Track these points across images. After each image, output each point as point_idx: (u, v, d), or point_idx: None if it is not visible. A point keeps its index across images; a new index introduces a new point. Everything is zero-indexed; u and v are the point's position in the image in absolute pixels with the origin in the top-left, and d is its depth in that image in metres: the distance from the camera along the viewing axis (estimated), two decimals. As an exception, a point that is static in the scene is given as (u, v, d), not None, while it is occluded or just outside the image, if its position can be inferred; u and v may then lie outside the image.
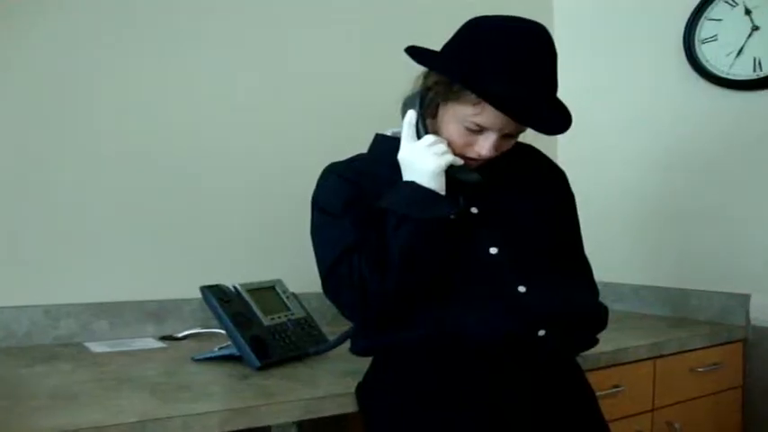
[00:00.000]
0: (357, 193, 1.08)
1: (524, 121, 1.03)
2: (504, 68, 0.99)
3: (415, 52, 1.07)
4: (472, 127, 1.03)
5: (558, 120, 1.06)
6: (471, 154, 1.05)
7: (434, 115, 1.08)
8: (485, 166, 1.09)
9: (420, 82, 1.09)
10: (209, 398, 1.11)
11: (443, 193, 1.03)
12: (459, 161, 1.05)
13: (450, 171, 1.05)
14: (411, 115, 1.07)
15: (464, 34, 1.07)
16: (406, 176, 1.05)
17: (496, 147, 1.04)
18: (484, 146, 1.04)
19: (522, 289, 1.05)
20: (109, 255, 1.58)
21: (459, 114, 1.03)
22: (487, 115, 1.01)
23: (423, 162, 1.03)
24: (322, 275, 1.08)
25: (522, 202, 1.14)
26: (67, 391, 1.13)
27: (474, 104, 1.00)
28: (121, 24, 1.61)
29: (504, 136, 1.05)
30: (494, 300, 1.04)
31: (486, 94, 0.98)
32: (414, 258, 1.01)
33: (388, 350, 1.11)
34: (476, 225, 1.08)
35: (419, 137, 1.06)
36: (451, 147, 1.05)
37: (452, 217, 1.04)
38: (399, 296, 1.03)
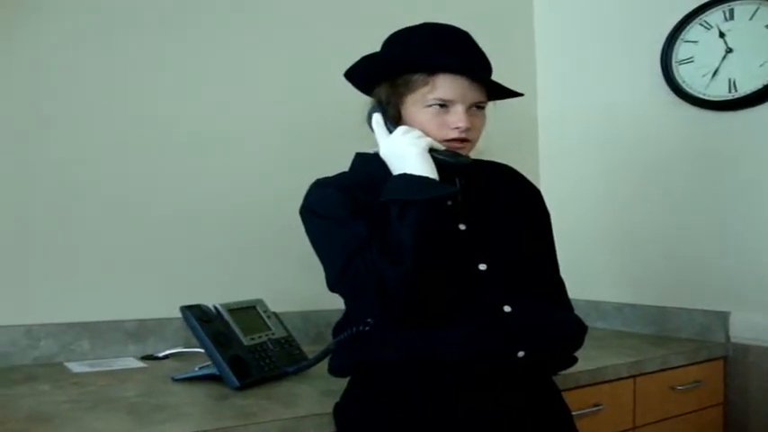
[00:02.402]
0: (353, 199, 1.08)
1: (477, 75, 1.07)
2: (438, 44, 1.08)
3: (353, 73, 1.15)
4: (435, 103, 1.07)
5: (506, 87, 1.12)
6: (450, 134, 1.08)
7: (399, 120, 1.11)
8: (468, 184, 1.13)
9: (373, 100, 1.15)
10: (186, 418, 1.10)
11: (435, 176, 1.04)
12: (438, 145, 1.08)
13: (437, 156, 1.07)
14: (377, 117, 1.12)
15: (388, 42, 1.15)
16: (395, 170, 1.07)
17: (469, 121, 1.07)
18: (456, 119, 1.07)
19: (507, 309, 1.05)
20: (90, 274, 1.58)
21: (419, 100, 1.08)
22: (443, 86, 1.06)
23: (404, 149, 1.06)
24: (334, 279, 1.05)
25: (506, 221, 1.16)
26: (44, 412, 1.12)
27: (425, 84, 1.06)
28: (92, 50, 1.63)
29: (472, 109, 1.08)
30: (478, 319, 1.04)
31: (433, 64, 1.05)
32: (425, 238, 1.00)
33: (366, 369, 1.12)
34: (464, 241, 1.09)
35: (391, 133, 1.10)
36: (431, 135, 1.08)
37: (449, 203, 1.05)
38: (417, 282, 0.99)
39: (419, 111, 1.09)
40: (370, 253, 1.00)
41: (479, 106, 1.10)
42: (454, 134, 1.08)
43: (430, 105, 1.07)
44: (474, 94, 1.08)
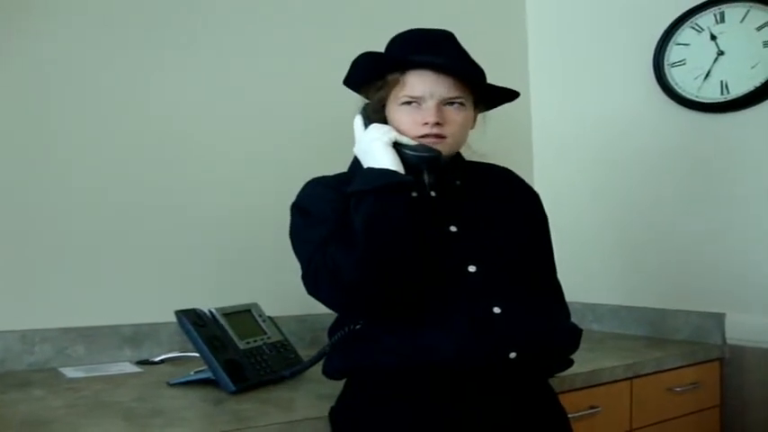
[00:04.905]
0: (342, 199, 1.09)
1: (444, 69, 1.09)
2: (413, 44, 1.12)
3: (348, 79, 1.18)
4: (407, 100, 1.10)
5: (476, 72, 1.14)
6: (422, 130, 1.10)
7: (384, 121, 1.14)
8: (462, 186, 1.15)
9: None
10: (182, 423, 1.10)
11: (397, 168, 1.06)
12: (407, 139, 1.10)
13: (403, 150, 1.08)
14: (357, 119, 1.15)
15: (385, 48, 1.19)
16: (364, 165, 1.10)
17: (441, 116, 1.09)
18: (427, 114, 1.09)
19: (497, 310, 1.05)
20: (85, 279, 1.58)
21: (394, 99, 1.12)
22: (410, 84, 1.10)
23: (369, 145, 1.09)
24: (302, 272, 1.08)
25: (500, 223, 1.16)
26: (39, 418, 1.12)
27: (396, 84, 1.10)
28: (96, 53, 1.63)
29: (447, 105, 1.10)
30: (467, 320, 1.04)
31: (403, 62, 1.09)
32: (375, 226, 1.01)
33: (359, 372, 1.12)
34: (454, 243, 1.10)
35: None
36: (405, 133, 1.11)
37: (414, 194, 1.07)
38: (369, 269, 0.99)
39: (396, 109, 1.12)
40: (331, 246, 1.02)
41: (456, 102, 1.11)
42: (425, 130, 1.10)
43: (403, 103, 1.11)
44: (445, 89, 1.09)
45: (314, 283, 1.06)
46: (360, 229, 1.01)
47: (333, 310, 1.13)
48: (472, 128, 1.19)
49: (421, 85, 1.09)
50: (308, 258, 1.05)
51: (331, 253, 1.01)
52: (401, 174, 1.06)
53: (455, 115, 1.11)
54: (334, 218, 1.07)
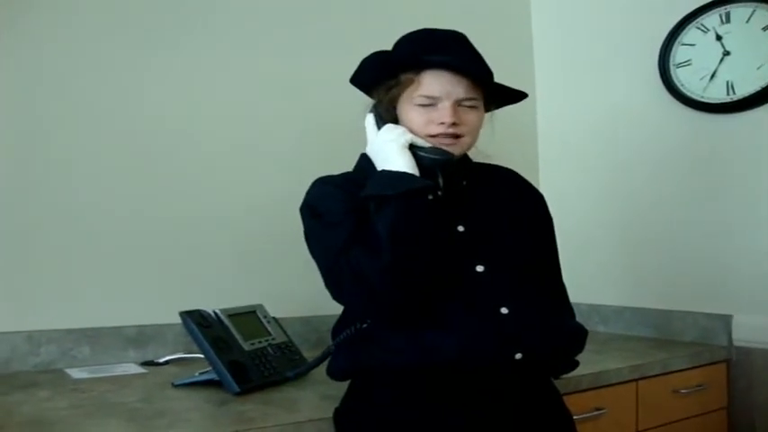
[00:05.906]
0: (351, 197, 1.09)
1: (461, 70, 1.08)
2: (428, 44, 1.11)
3: (356, 78, 1.17)
4: (423, 101, 1.09)
5: (488, 73, 1.14)
6: (436, 129, 1.09)
7: (395, 120, 1.14)
8: (469, 187, 1.14)
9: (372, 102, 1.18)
10: (186, 424, 1.10)
11: (413, 171, 1.05)
12: (422, 141, 1.09)
13: (418, 152, 1.08)
14: (369, 117, 1.15)
15: (393, 47, 1.18)
16: (378, 167, 1.09)
17: (457, 116, 1.09)
18: (443, 114, 1.09)
19: (504, 310, 1.05)
20: (90, 280, 1.58)
21: (408, 99, 1.10)
22: (427, 83, 1.08)
23: (384, 146, 1.08)
24: (323, 275, 1.07)
25: (508, 224, 1.16)
26: (44, 418, 1.12)
27: (412, 83, 1.09)
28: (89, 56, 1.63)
29: (462, 105, 1.10)
30: (474, 320, 1.04)
31: (418, 62, 1.08)
32: (401, 231, 1.00)
33: (365, 373, 1.11)
34: (462, 243, 1.10)
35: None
36: (417, 132, 1.10)
37: (430, 197, 1.06)
38: (396, 275, 0.99)
39: (409, 109, 1.11)
40: (354, 250, 1.02)
41: (470, 104, 1.11)
42: (440, 129, 1.09)
43: (417, 103, 1.10)
44: (461, 90, 1.09)
45: (338, 289, 1.06)
46: (385, 234, 1.00)
47: (358, 314, 1.11)
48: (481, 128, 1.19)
49: (438, 85, 1.08)
50: (331, 264, 1.04)
51: (355, 258, 1.01)
52: (421, 178, 1.05)
53: (470, 115, 1.11)
54: (350, 219, 1.06)
